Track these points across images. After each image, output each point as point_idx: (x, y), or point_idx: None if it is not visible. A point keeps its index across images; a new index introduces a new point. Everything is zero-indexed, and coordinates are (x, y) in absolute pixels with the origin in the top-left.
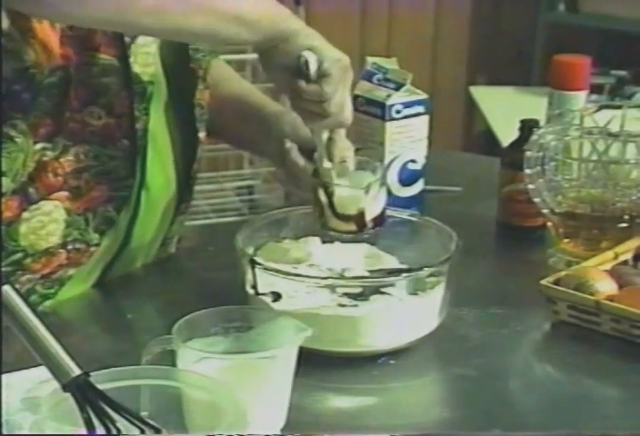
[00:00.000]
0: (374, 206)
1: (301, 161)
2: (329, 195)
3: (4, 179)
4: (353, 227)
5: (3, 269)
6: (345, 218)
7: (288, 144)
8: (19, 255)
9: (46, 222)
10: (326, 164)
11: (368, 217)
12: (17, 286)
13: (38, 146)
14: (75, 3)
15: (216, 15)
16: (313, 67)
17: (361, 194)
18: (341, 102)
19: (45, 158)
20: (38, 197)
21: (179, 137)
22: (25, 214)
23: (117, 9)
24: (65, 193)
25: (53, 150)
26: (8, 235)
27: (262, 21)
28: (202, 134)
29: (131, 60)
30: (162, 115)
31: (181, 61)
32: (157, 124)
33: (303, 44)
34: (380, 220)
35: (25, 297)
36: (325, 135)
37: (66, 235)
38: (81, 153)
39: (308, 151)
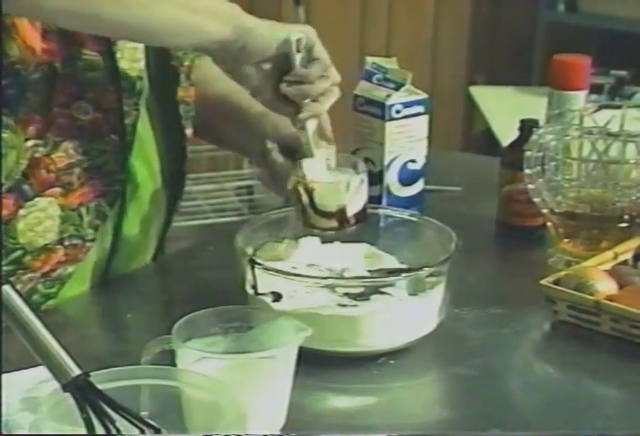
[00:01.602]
0: (355, 202)
1: (280, 159)
2: (309, 192)
3: None
4: (334, 224)
5: (4, 268)
6: (326, 215)
7: (269, 145)
8: (19, 253)
9: (42, 219)
10: (310, 160)
11: (349, 213)
12: (19, 286)
13: (30, 143)
14: None
15: (178, 6)
16: (303, 45)
17: (341, 191)
18: (323, 89)
19: (37, 154)
20: (33, 194)
21: (163, 133)
22: (22, 211)
23: None
24: (58, 190)
25: (44, 146)
26: (7, 233)
27: (225, 13)
28: (189, 131)
29: (118, 55)
30: (144, 110)
31: (162, 58)
32: (142, 123)
33: (277, 33)
34: (362, 216)
35: (24, 297)
36: (313, 127)
37: (62, 231)
38: (71, 149)
39: (289, 150)
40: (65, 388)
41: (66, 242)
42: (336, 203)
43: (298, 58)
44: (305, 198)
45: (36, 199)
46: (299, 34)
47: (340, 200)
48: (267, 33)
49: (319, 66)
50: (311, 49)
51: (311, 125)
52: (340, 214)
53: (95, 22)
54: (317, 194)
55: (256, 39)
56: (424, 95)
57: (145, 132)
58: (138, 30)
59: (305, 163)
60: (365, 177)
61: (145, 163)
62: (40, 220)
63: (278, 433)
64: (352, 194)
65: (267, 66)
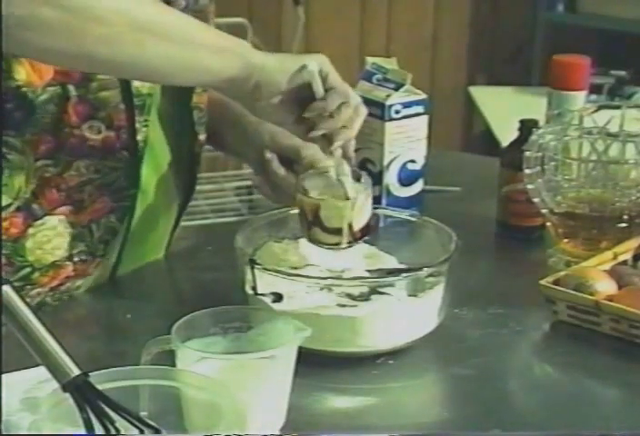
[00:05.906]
0: (360, 217)
1: (282, 171)
2: (315, 210)
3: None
4: (340, 240)
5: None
6: (332, 231)
7: (268, 155)
8: (27, 270)
9: (52, 237)
10: (314, 176)
11: (356, 228)
12: (28, 300)
13: (40, 163)
14: (32, 30)
15: (178, 44)
16: (318, 73)
17: (347, 207)
18: (347, 117)
19: (47, 174)
20: (42, 213)
21: (175, 139)
22: (31, 230)
23: (71, 37)
24: (68, 208)
25: (55, 166)
26: (15, 251)
27: (232, 50)
28: (202, 137)
29: None
30: (156, 121)
31: None
32: (153, 130)
33: (288, 66)
34: (367, 230)
35: (24, 298)
36: (339, 151)
37: (72, 248)
38: (82, 167)
39: (288, 160)
40: (64, 388)
41: (76, 259)
42: (342, 220)
43: (318, 86)
44: (310, 215)
45: (46, 217)
46: (313, 64)
47: (346, 216)
48: (278, 67)
49: (337, 95)
50: (326, 77)
51: (338, 151)
52: (346, 230)
53: (87, 62)
54: (323, 212)
55: (268, 75)
56: (423, 96)
57: (156, 137)
58: (134, 69)
59: (309, 178)
60: (370, 192)
61: (156, 169)
62: (49, 238)
63: (278, 433)
64: (358, 210)
65: (285, 99)
